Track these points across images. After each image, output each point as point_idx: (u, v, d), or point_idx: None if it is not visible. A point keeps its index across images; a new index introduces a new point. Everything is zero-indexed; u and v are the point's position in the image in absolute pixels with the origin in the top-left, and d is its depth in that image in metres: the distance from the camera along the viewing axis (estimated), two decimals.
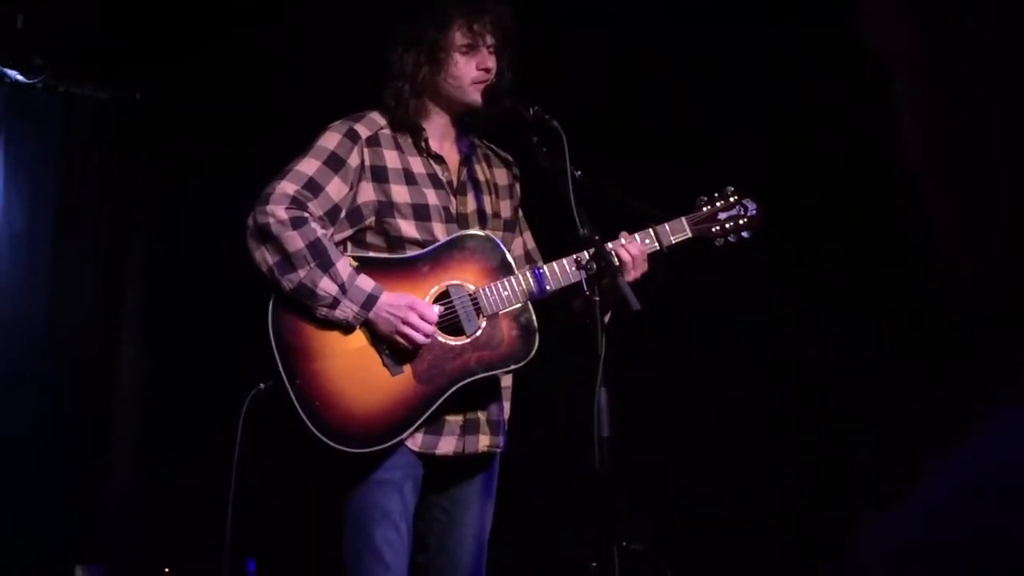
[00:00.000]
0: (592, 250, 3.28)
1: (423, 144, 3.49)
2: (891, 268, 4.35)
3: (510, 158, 3.69)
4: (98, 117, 5.63)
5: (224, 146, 5.22)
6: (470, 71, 3.44)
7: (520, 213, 3.69)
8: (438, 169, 3.49)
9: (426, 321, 3.31)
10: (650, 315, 3.11)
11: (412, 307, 3.30)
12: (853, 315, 4.53)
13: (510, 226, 3.61)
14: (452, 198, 3.49)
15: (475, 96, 3.45)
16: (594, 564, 3.65)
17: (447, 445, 3.39)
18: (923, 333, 4.26)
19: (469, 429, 3.42)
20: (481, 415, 3.45)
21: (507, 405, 3.55)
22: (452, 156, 3.54)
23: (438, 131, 3.53)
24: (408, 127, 3.48)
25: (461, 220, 3.48)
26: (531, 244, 3.69)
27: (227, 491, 3.52)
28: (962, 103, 0.70)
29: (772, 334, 4.68)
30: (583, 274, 3.33)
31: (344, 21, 4.88)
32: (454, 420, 3.40)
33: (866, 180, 4.31)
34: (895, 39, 0.75)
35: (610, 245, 3.38)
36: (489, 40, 3.45)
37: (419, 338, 3.30)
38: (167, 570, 5.09)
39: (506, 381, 3.54)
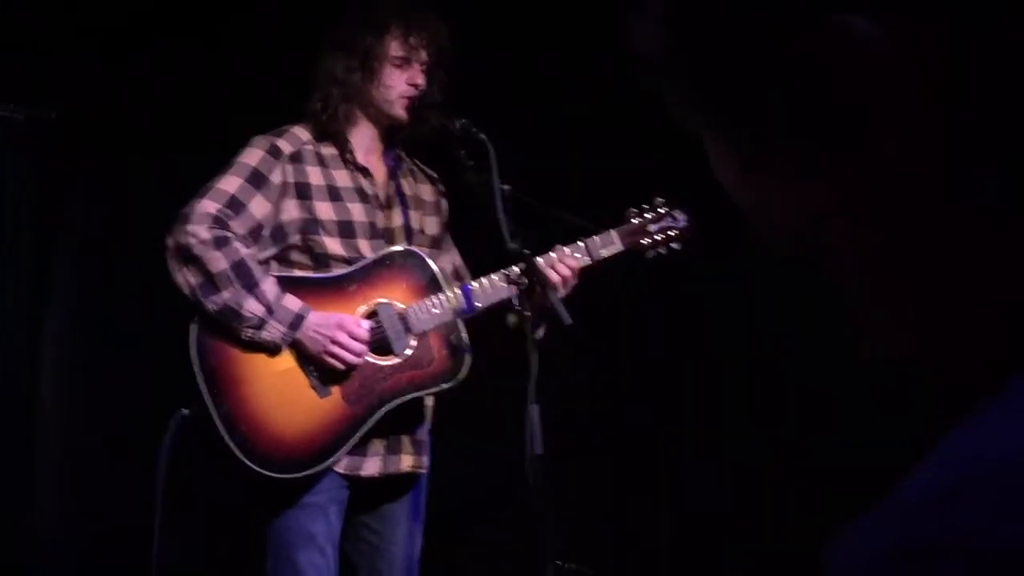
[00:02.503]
0: (523, 265, 3.25)
1: (348, 156, 3.43)
2: None
3: (435, 175, 3.65)
4: (13, 138, 5.51)
5: (144, 165, 5.13)
6: (399, 84, 3.40)
7: (447, 230, 3.64)
8: (364, 183, 3.44)
9: (357, 340, 3.26)
10: (583, 329, 3.09)
11: (341, 326, 3.25)
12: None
13: (436, 243, 3.56)
14: (379, 212, 3.43)
15: (400, 111, 3.41)
16: None
17: (372, 466, 3.34)
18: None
19: (391, 449, 3.37)
20: (404, 435, 3.40)
21: (428, 425, 3.50)
22: (379, 169, 3.49)
23: (364, 143, 3.47)
24: (333, 137, 3.42)
25: (387, 235, 3.43)
26: (459, 261, 3.66)
27: (151, 518, 3.42)
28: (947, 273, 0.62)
29: (714, 346, 4.67)
30: (514, 289, 3.30)
31: (268, 34, 4.82)
32: (379, 441, 3.35)
33: None
34: (825, 235, 0.66)
35: (541, 260, 3.34)
36: (423, 56, 3.42)
37: (350, 358, 3.25)
38: None
39: (428, 401, 3.49)
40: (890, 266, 0.63)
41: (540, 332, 3.27)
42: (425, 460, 3.46)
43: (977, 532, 0.51)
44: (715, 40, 0.64)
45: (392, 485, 3.42)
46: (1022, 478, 0.52)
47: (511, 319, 3.45)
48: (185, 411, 3.28)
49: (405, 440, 3.40)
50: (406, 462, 3.40)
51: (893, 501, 0.55)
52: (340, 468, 3.29)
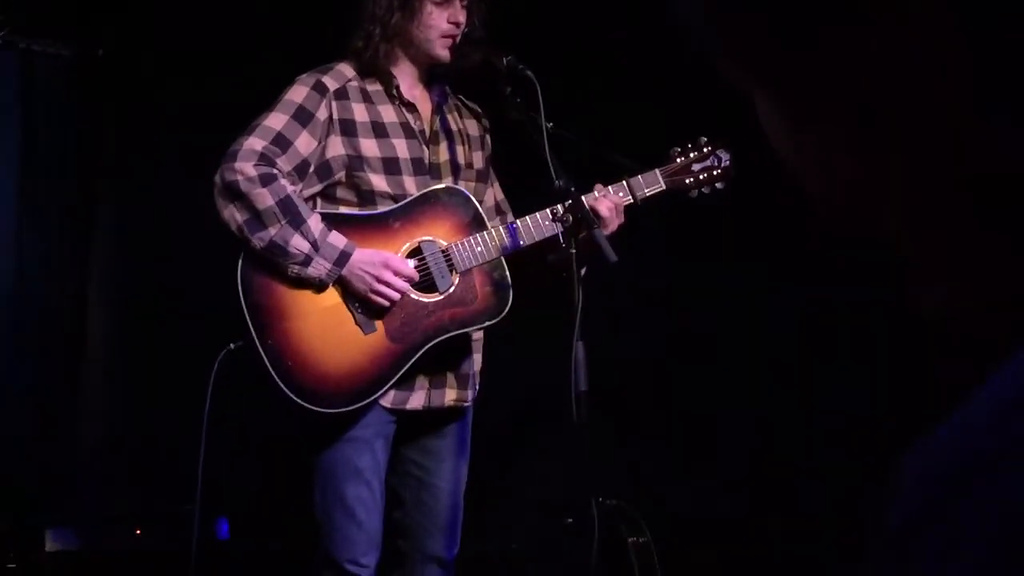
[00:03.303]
0: (567, 202, 3.25)
1: (395, 91, 3.43)
2: None
3: (479, 109, 3.65)
4: (60, 74, 5.54)
5: (189, 101, 5.15)
6: (441, 23, 3.39)
7: (490, 166, 3.65)
8: (410, 117, 3.44)
9: (401, 277, 3.27)
10: (627, 267, 3.10)
11: (387, 264, 3.27)
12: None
13: (483, 177, 3.57)
14: (425, 148, 3.44)
15: (442, 51, 3.41)
16: (570, 519, 3.65)
17: (417, 400, 3.37)
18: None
19: (436, 383, 3.40)
20: (449, 370, 3.43)
21: (478, 357, 3.53)
22: (424, 105, 3.50)
23: (408, 79, 3.48)
24: (377, 73, 3.43)
25: (434, 170, 3.44)
26: (500, 196, 3.66)
27: (198, 451, 3.47)
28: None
29: (751, 288, 4.66)
30: (559, 227, 3.31)
31: None
32: (424, 375, 3.37)
33: None
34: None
35: (584, 198, 3.34)
36: None
37: (394, 295, 3.27)
38: (139, 532, 5.05)
39: (477, 334, 3.51)
40: (934, 220, 0.64)
41: (584, 269, 3.28)
42: (469, 394, 3.48)
43: None
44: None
45: (437, 419, 3.45)
46: None
47: (551, 258, 3.46)
48: (233, 345, 3.32)
49: (450, 375, 3.42)
50: (449, 396, 3.42)
51: (961, 415, 0.57)
52: (387, 402, 3.33)
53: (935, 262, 0.65)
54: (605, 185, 3.42)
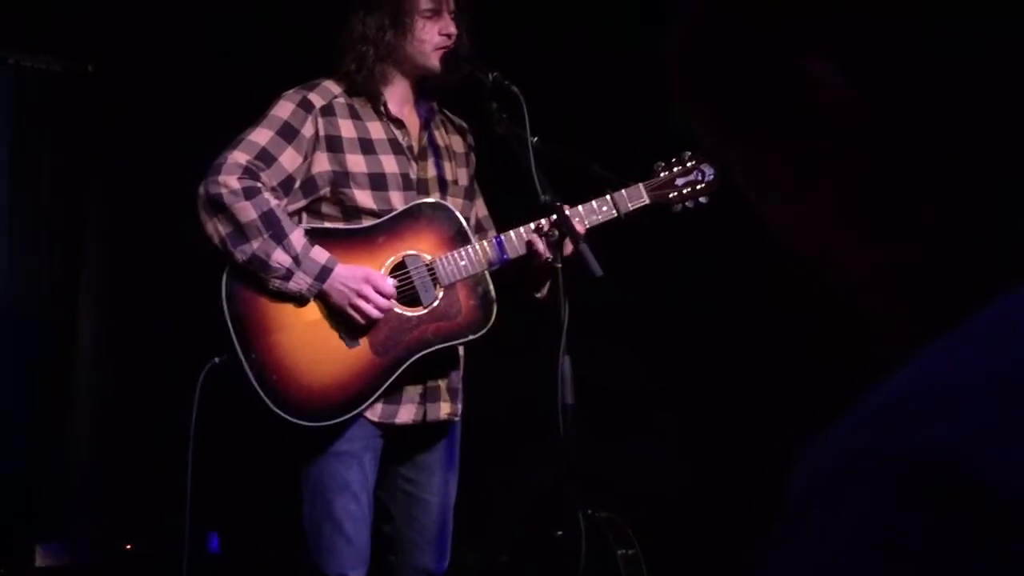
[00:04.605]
0: (552, 217, 3.26)
1: (383, 108, 3.45)
2: None
3: (465, 125, 3.66)
4: (50, 89, 5.55)
5: (178, 117, 5.16)
6: (433, 36, 3.41)
7: (474, 182, 3.66)
8: (398, 134, 3.46)
9: (382, 295, 3.28)
10: (612, 281, 3.11)
11: (368, 280, 3.28)
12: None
13: (469, 193, 3.58)
14: (412, 164, 3.45)
15: (435, 62, 3.42)
16: (560, 532, 3.65)
17: (407, 414, 3.37)
18: None
19: (430, 397, 3.40)
20: (441, 383, 3.43)
21: (462, 372, 3.53)
22: (412, 121, 3.51)
23: (398, 96, 3.49)
24: (367, 92, 3.44)
25: (421, 186, 3.45)
26: (483, 212, 3.67)
27: (186, 465, 3.47)
28: None
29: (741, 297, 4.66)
30: (544, 241, 3.32)
31: None
32: (413, 388, 3.38)
33: None
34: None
35: (568, 211, 3.35)
36: (451, 5, 3.44)
37: (375, 312, 3.28)
38: (128, 547, 5.06)
39: (460, 349, 3.52)
40: (866, 259, 0.73)
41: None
42: (459, 408, 3.49)
43: (904, 442, 0.56)
44: (721, 84, 0.75)
45: (426, 433, 3.46)
46: (961, 394, 0.57)
47: (534, 272, 3.48)
48: (217, 359, 3.33)
49: (442, 388, 3.43)
50: (444, 410, 3.43)
51: (847, 417, 0.61)
52: (374, 416, 3.33)
53: (876, 304, 0.75)
54: (589, 199, 3.44)
